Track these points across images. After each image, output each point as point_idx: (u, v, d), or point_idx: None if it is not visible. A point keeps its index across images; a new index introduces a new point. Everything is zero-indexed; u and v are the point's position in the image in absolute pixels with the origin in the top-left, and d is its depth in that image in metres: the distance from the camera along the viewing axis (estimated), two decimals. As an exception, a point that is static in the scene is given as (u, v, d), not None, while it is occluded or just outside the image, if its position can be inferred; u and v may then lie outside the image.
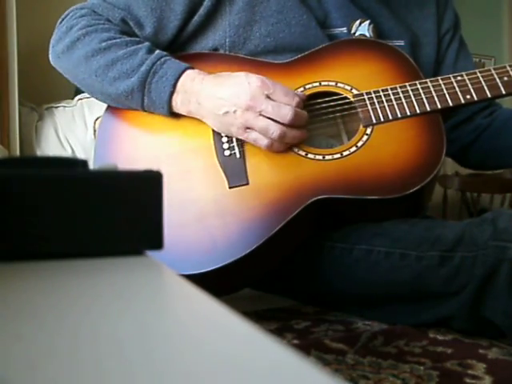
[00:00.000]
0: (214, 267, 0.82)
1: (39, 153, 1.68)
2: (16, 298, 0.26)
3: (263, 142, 0.87)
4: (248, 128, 0.87)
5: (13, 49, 1.65)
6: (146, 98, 0.92)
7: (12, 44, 1.65)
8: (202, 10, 0.97)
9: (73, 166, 0.37)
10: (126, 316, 0.24)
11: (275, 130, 0.85)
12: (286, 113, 0.85)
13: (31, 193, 0.33)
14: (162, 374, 0.18)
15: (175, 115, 0.93)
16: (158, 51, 0.93)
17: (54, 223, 0.33)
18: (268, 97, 0.86)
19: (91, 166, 0.38)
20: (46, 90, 1.84)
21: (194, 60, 0.99)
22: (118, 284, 0.30)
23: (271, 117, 0.86)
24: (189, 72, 0.91)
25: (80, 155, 1.67)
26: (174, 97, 0.90)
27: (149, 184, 0.35)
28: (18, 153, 1.65)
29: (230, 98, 0.87)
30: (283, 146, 0.88)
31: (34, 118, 1.73)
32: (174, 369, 0.19)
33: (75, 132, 1.71)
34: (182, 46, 1.01)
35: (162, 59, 0.91)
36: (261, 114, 0.86)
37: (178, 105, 0.91)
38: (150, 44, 0.95)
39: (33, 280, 0.30)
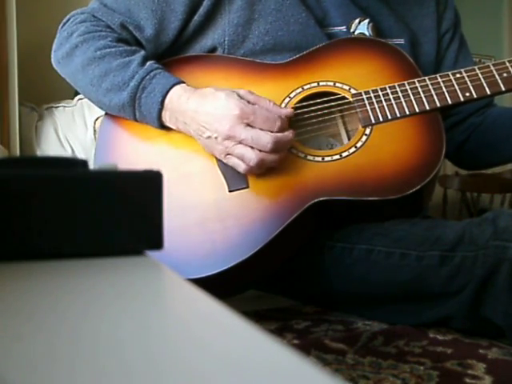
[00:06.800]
0: (215, 271, 0.82)
1: (39, 153, 1.68)
2: (16, 297, 0.26)
3: (241, 167, 0.86)
4: (228, 154, 0.86)
5: (13, 49, 1.65)
6: (138, 112, 0.92)
7: (12, 44, 1.65)
8: (201, 10, 0.97)
9: (73, 166, 0.37)
10: (125, 316, 0.24)
11: (252, 158, 0.84)
12: (267, 142, 0.83)
13: (31, 193, 0.33)
14: (162, 373, 0.18)
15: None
16: (149, 63, 0.92)
17: (53, 223, 0.33)
18: (248, 125, 0.84)
19: (91, 165, 0.38)
20: (46, 90, 1.84)
21: (191, 63, 0.99)
22: (118, 284, 0.30)
23: (251, 146, 0.84)
24: (176, 89, 0.90)
25: (80, 155, 1.67)
26: (163, 113, 0.90)
27: (149, 184, 0.35)
28: (18, 153, 1.64)
29: (211, 123, 0.85)
30: (262, 170, 0.86)
31: (34, 117, 1.73)
32: (174, 369, 0.19)
33: (75, 132, 1.71)
34: (182, 46, 1.01)
35: (152, 73, 0.91)
36: (241, 143, 0.84)
37: (167, 121, 0.91)
38: (145, 54, 0.94)
39: (33, 280, 0.30)
